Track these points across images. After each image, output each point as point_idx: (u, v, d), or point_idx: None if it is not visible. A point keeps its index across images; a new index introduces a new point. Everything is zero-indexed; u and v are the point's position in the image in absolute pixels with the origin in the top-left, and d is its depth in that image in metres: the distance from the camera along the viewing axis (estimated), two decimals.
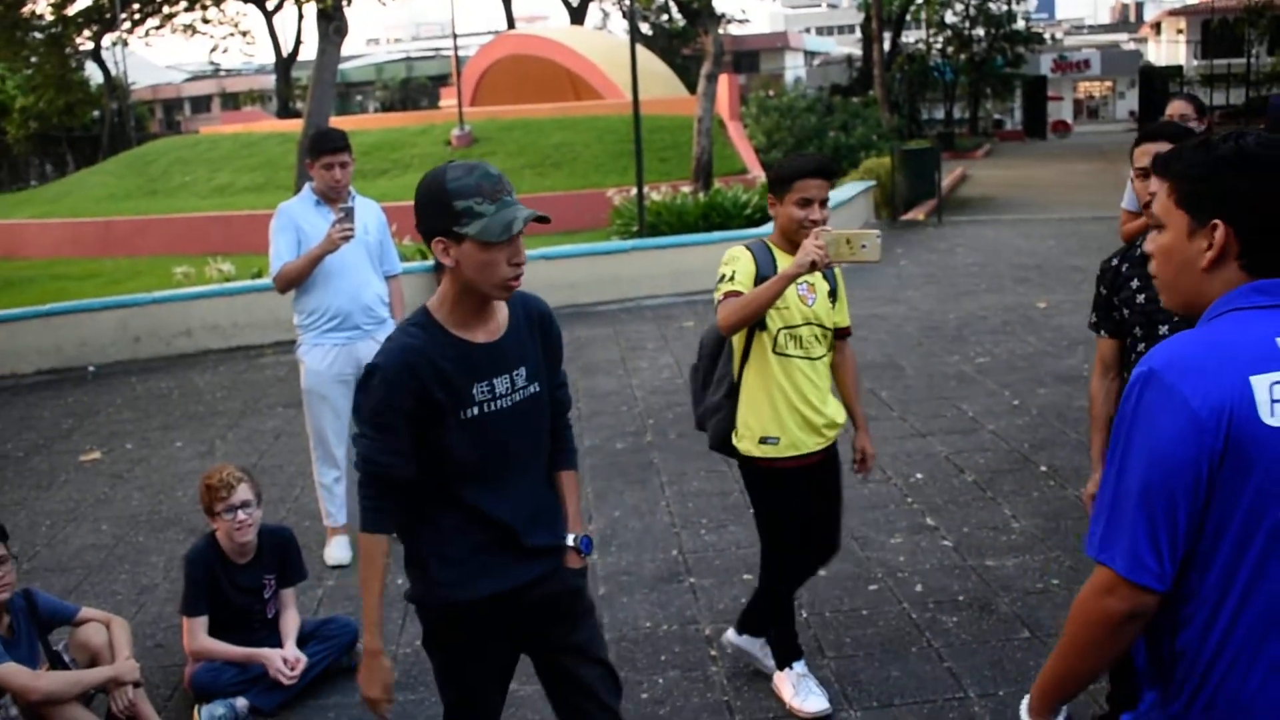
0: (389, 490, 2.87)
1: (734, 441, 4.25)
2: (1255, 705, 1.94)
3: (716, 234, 14.31)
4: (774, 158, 23.74)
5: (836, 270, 4.31)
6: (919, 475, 7.04)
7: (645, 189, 16.59)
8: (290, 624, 4.84)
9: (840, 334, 4.36)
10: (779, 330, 4.10)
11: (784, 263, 4.04)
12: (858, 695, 4.48)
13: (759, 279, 4.00)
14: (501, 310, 2.97)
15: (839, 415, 4.31)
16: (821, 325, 4.19)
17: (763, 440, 4.16)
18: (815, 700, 4.36)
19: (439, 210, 2.76)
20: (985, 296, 12.99)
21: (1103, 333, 3.91)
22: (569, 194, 21.40)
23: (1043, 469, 7.00)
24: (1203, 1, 53.69)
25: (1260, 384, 1.86)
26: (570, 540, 3.14)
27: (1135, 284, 3.75)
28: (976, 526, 6.15)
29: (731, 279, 4.02)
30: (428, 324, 2.87)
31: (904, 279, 14.56)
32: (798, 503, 4.27)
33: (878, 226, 20.11)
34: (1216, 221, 1.97)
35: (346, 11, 17.30)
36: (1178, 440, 1.86)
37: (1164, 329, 3.64)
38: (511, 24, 42.70)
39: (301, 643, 4.80)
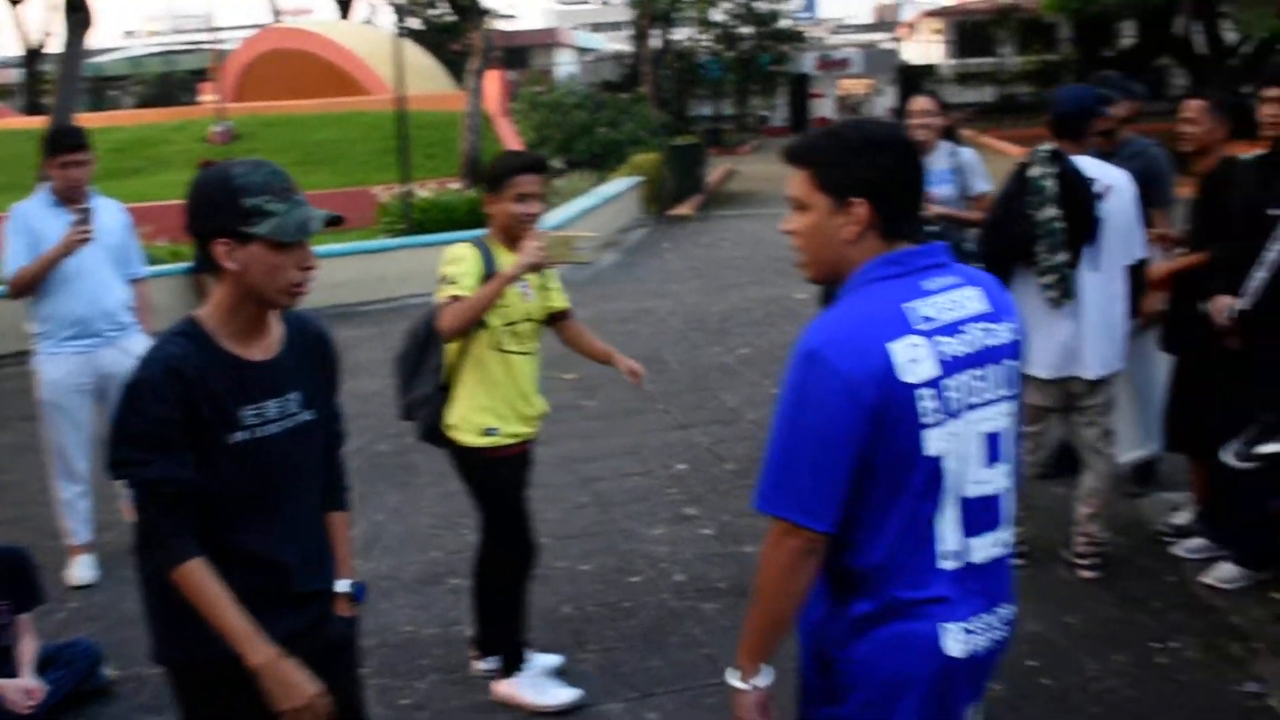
0: (186, 509, 2.58)
1: (450, 434, 4.28)
2: (931, 603, 2.31)
3: (484, 231, 14.17)
4: (545, 153, 23.73)
5: None
6: (681, 466, 7.16)
7: (413, 186, 16.37)
8: (27, 651, 4.59)
9: (561, 315, 4.51)
10: (501, 328, 4.18)
11: (503, 260, 4.11)
12: (618, 687, 4.53)
13: (485, 278, 4.05)
14: (277, 326, 2.75)
15: (542, 407, 4.45)
16: (536, 320, 4.34)
17: (485, 433, 4.24)
18: (560, 693, 4.40)
19: (223, 208, 2.54)
20: (748, 289, 13.32)
21: None
22: (335, 192, 20.92)
23: None
24: (957, 4, 56.23)
25: (897, 349, 2.21)
26: (344, 586, 2.94)
27: None
28: (736, 514, 6.30)
29: (454, 282, 4.05)
30: (195, 334, 2.62)
31: (670, 273, 14.80)
32: (517, 488, 4.40)
33: (647, 221, 20.39)
34: (856, 200, 2.28)
35: (96, 2, 16.53)
36: (839, 408, 2.19)
37: None
38: (276, 17, 41.56)
39: (41, 668, 4.57)
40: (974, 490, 2.30)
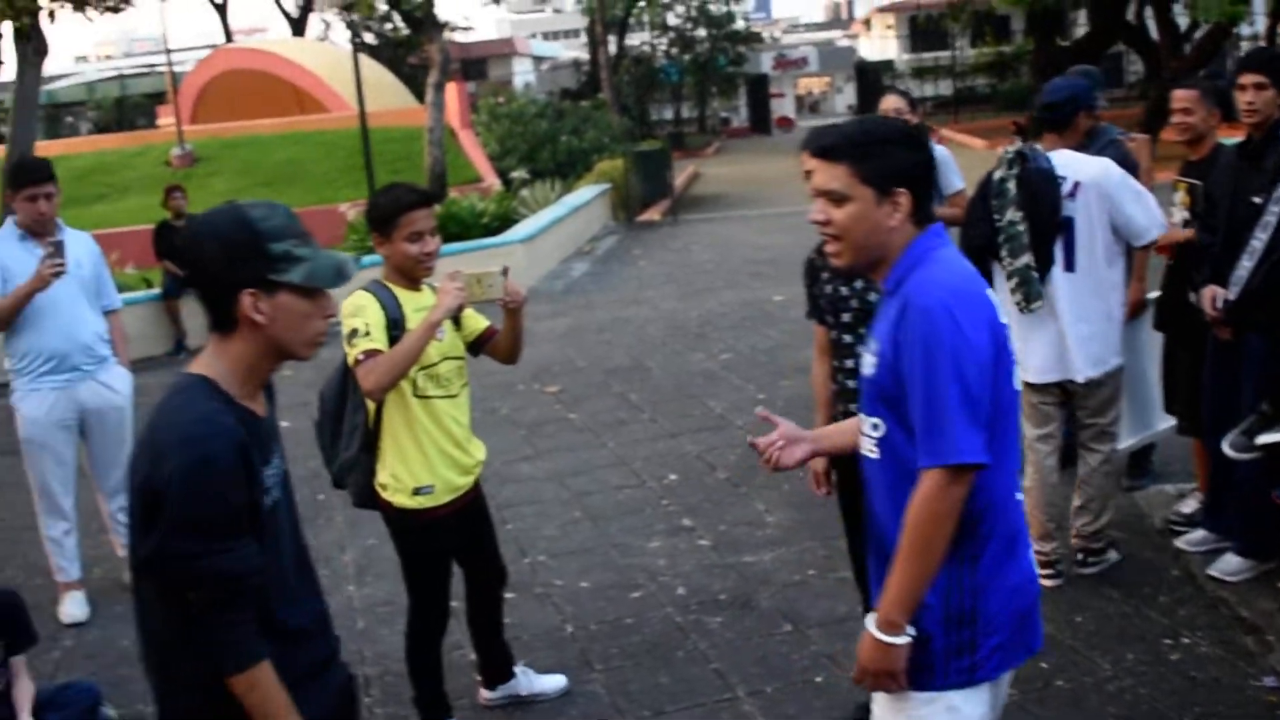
0: (253, 604, 2.33)
1: (383, 495, 4.01)
2: (1020, 530, 2.54)
3: (455, 245, 14.08)
4: (509, 165, 23.66)
5: None
6: (673, 476, 7.10)
7: None
8: (24, 695, 4.48)
9: (488, 335, 4.18)
10: (418, 373, 3.89)
11: (406, 300, 3.91)
12: (629, 706, 4.47)
13: (389, 323, 3.82)
14: None
15: (480, 453, 4.19)
16: (458, 357, 4.07)
17: (417, 491, 3.96)
18: None
19: (250, 255, 2.30)
20: (724, 293, 13.28)
21: (815, 321, 4.18)
22: (301, 210, 20.53)
23: None
24: None
25: (992, 297, 2.49)
26: None
27: (825, 275, 4.04)
28: (733, 524, 6.24)
29: (367, 334, 3.76)
30: (217, 395, 2.34)
31: (644, 280, 14.74)
32: (450, 551, 4.17)
33: (617, 229, 20.34)
34: (901, 190, 2.47)
35: (48, 28, 16.30)
36: (982, 345, 2.38)
37: (846, 315, 3.95)
38: (229, 37, 41.23)
39: (38, 712, 4.45)
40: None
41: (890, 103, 6.51)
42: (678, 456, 7.49)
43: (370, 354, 3.73)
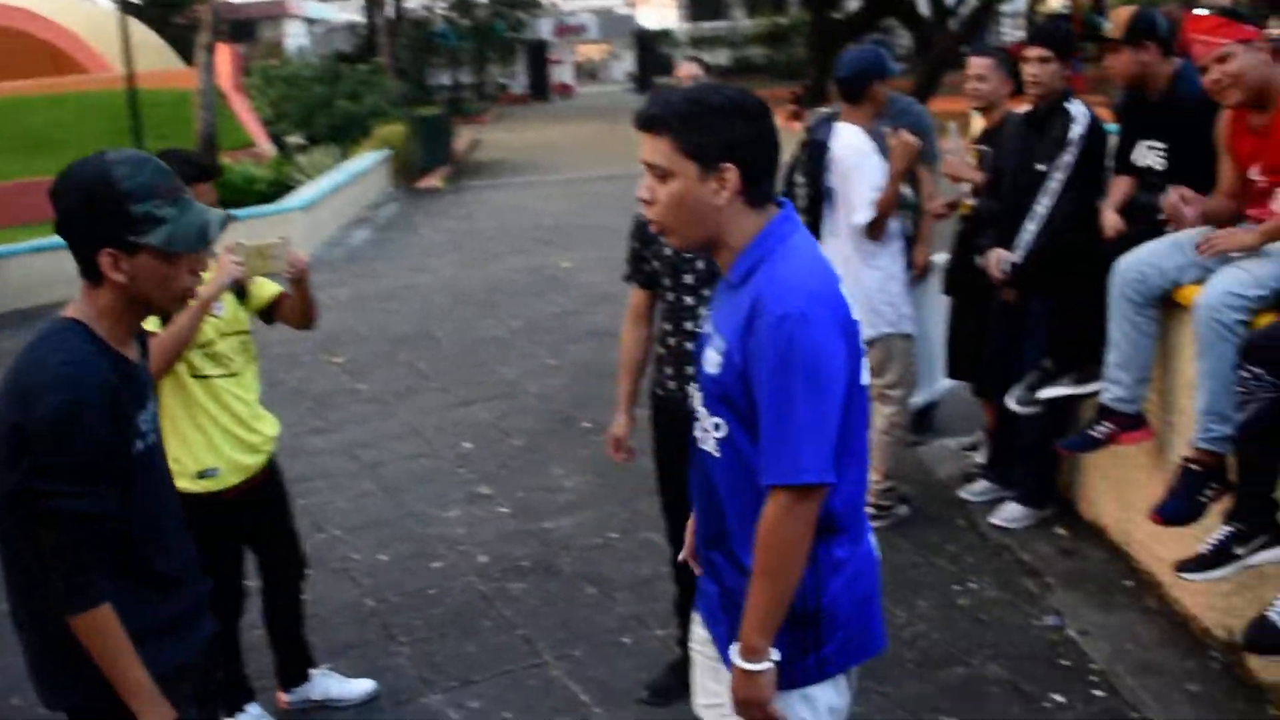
0: (103, 547, 2.34)
1: None
2: (863, 518, 2.46)
3: (229, 211, 13.55)
4: (283, 129, 22.92)
5: None
6: (467, 444, 7.01)
7: None
8: None
9: (279, 300, 3.98)
10: (193, 353, 3.69)
11: None
12: (436, 677, 4.39)
13: None
14: None
15: (271, 428, 3.99)
16: (240, 332, 3.86)
17: (201, 474, 3.75)
18: None
19: (108, 215, 2.28)
20: (510, 259, 13.19)
21: (635, 284, 4.06)
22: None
23: (586, 425, 7.17)
24: None
25: (843, 292, 2.32)
26: None
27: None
28: (531, 490, 6.21)
29: None
30: (91, 339, 2.35)
31: (428, 247, 14.51)
32: (235, 538, 3.96)
33: (397, 195, 19.96)
34: (727, 165, 2.25)
35: None
36: (835, 355, 2.23)
37: (688, 277, 3.81)
38: None
39: None
40: None
41: (687, 69, 6.58)
42: (471, 424, 7.40)
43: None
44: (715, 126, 2.25)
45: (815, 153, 5.20)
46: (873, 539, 2.51)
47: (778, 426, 2.22)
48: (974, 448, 6.10)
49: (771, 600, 2.28)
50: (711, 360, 2.37)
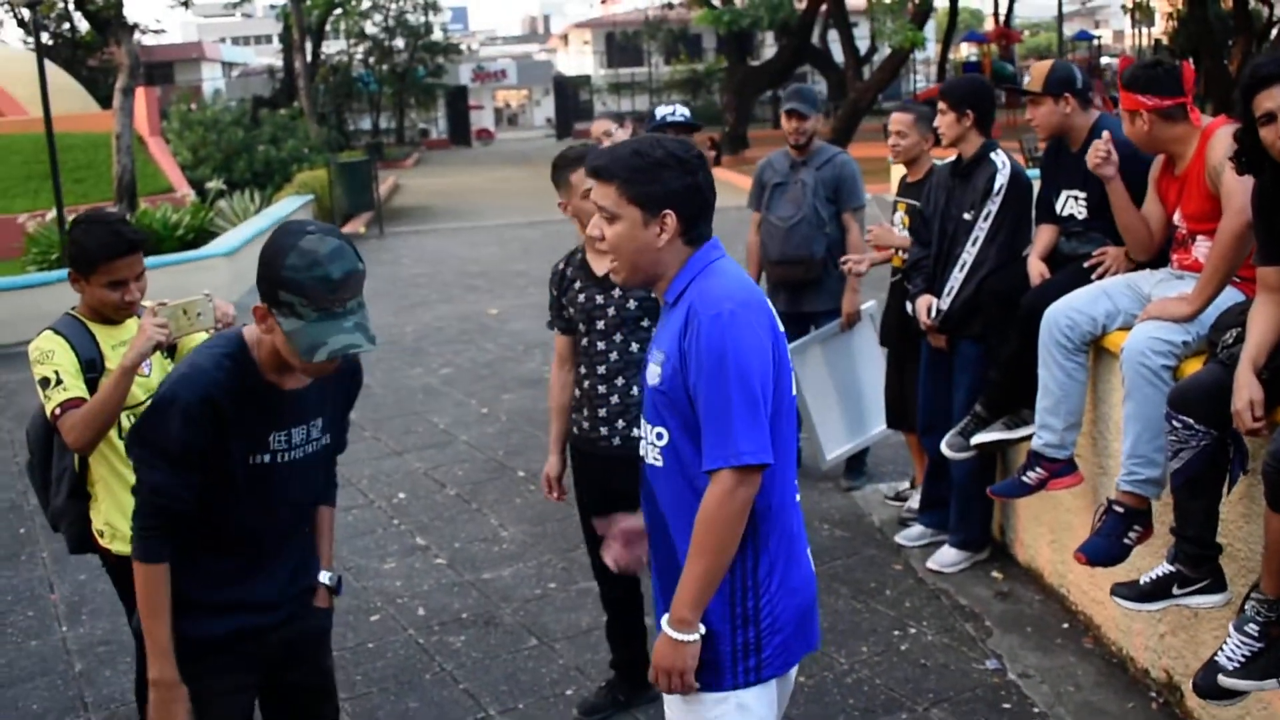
0: (170, 520, 2.73)
1: (100, 541, 3.67)
2: (799, 533, 2.67)
3: (149, 259, 13.32)
4: (202, 174, 22.69)
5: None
6: (401, 495, 6.96)
7: (67, 213, 15.24)
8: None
9: None
10: (124, 416, 3.55)
11: (104, 336, 3.59)
12: None
13: (84, 365, 3.49)
14: None
15: None
16: None
17: (99, 532, 3.67)
18: None
19: (267, 282, 2.62)
20: (438, 306, 13.14)
21: (558, 330, 4.24)
22: None
23: (520, 474, 7.16)
24: (605, 16, 57.53)
25: (768, 303, 2.60)
26: (325, 578, 3.15)
27: (578, 285, 4.09)
28: (467, 540, 6.17)
29: (59, 383, 3.41)
30: (241, 360, 2.73)
31: None
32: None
33: None
34: (667, 211, 2.53)
35: None
36: (764, 347, 2.49)
37: (600, 323, 4.01)
38: None
39: None
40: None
41: (599, 126, 6.73)
42: (405, 474, 7.35)
43: (70, 404, 3.37)
44: (657, 177, 2.53)
45: None
46: (809, 553, 2.71)
47: (716, 416, 2.45)
48: (900, 497, 6.16)
49: (702, 576, 2.48)
50: (652, 373, 2.60)
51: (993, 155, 5.16)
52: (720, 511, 2.45)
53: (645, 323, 3.94)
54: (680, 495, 2.58)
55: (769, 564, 2.57)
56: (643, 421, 2.69)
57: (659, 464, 2.62)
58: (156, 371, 3.69)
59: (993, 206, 5.07)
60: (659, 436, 2.60)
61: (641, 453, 2.70)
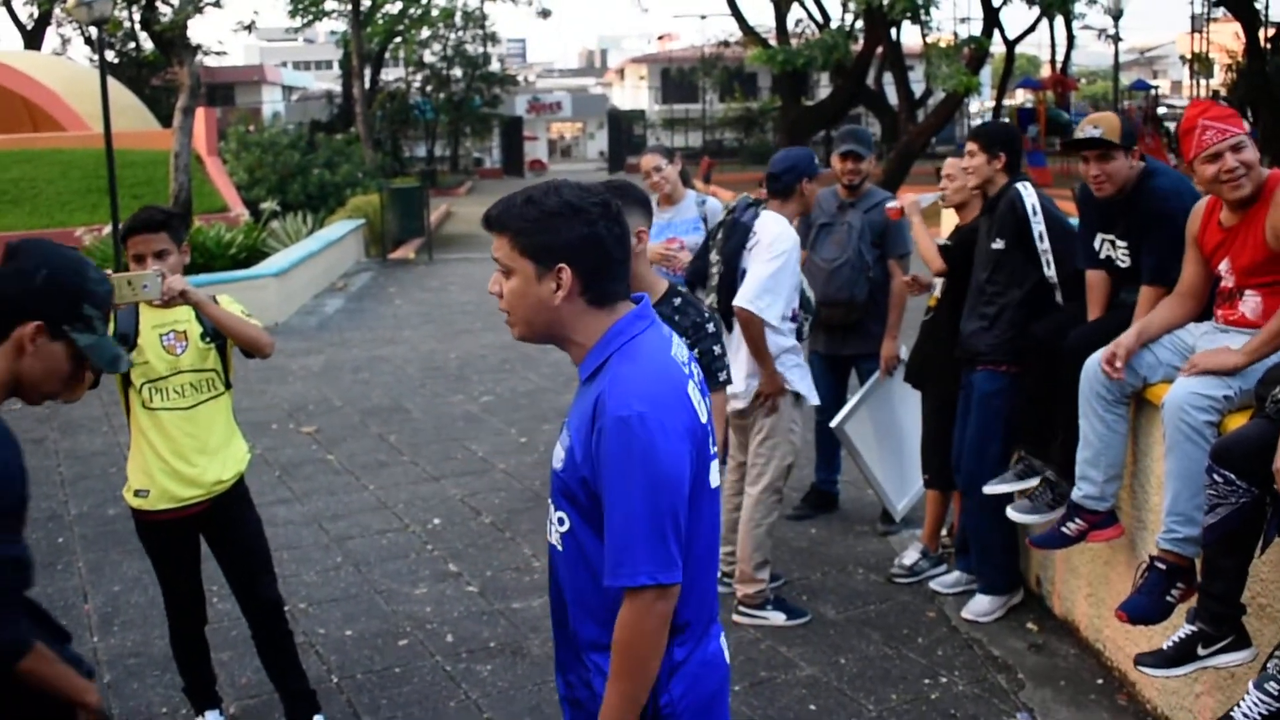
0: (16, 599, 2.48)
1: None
2: (713, 615, 2.52)
3: (201, 275, 13.52)
4: (257, 194, 22.94)
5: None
6: (436, 521, 6.97)
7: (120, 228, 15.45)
8: None
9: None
10: (143, 385, 4.06)
11: (148, 316, 4.06)
12: None
13: (118, 336, 3.94)
14: None
15: (220, 471, 4.19)
16: (199, 370, 4.13)
17: (136, 493, 4.14)
18: None
19: (67, 299, 2.49)
20: (483, 335, 13.19)
21: None
22: (31, 233, 19.57)
23: None
24: (661, 52, 57.87)
25: (690, 395, 2.37)
26: None
27: None
28: (499, 569, 6.17)
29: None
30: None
31: (400, 319, 14.51)
32: (175, 553, 4.27)
33: (369, 265, 20.00)
34: (562, 265, 2.32)
35: None
36: (678, 457, 2.28)
37: None
38: None
39: None
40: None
41: (649, 161, 6.71)
42: (441, 500, 7.36)
43: None
44: (550, 228, 2.32)
45: (734, 233, 5.29)
46: (724, 643, 2.55)
47: (618, 528, 2.27)
48: (940, 559, 6.04)
49: (626, 697, 2.33)
50: (557, 455, 2.45)
51: (1017, 184, 5.20)
52: (637, 632, 2.29)
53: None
54: (581, 583, 2.41)
55: (674, 659, 2.40)
56: (550, 499, 2.52)
57: (560, 549, 2.46)
58: (192, 350, 4.11)
59: (1039, 227, 5.09)
60: (560, 521, 2.44)
61: (546, 532, 2.54)
